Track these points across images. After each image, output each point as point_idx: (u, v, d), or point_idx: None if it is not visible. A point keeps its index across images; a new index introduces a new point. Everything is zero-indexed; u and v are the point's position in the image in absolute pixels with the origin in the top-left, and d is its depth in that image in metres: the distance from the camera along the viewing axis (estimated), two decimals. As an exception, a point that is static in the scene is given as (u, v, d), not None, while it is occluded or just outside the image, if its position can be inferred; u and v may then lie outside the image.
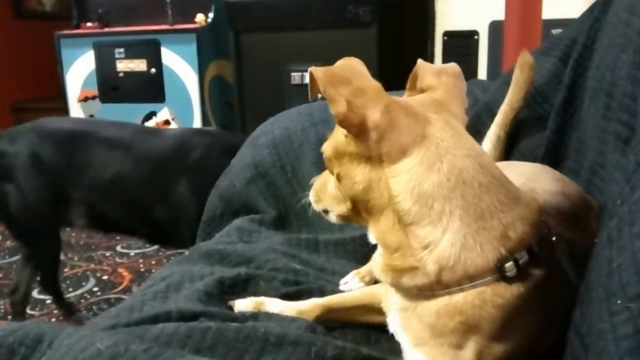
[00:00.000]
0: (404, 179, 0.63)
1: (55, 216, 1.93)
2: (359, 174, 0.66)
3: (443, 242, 0.62)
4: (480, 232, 0.62)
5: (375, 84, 0.65)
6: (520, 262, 0.62)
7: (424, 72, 0.73)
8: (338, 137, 0.69)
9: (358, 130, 0.63)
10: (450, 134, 0.64)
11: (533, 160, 1.09)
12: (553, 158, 1.05)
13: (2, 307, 2.35)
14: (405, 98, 0.71)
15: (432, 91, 0.70)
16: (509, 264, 0.62)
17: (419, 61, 0.75)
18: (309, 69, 0.65)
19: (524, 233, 0.63)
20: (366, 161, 0.66)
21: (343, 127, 0.65)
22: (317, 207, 0.80)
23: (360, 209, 0.70)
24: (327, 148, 0.72)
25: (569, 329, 0.64)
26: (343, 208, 0.73)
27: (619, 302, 0.51)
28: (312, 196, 0.81)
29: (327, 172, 0.77)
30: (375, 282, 0.85)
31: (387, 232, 0.66)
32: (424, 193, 0.62)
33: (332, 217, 0.77)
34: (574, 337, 0.62)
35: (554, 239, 0.66)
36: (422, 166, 0.62)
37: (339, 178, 0.70)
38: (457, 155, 0.63)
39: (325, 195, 0.77)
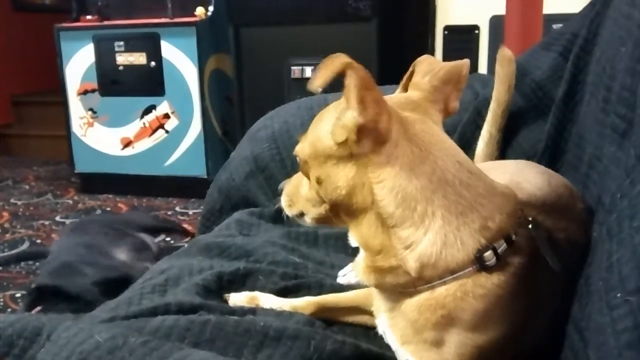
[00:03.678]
0: (389, 184, 0.63)
1: None
2: (342, 178, 0.65)
3: (424, 241, 0.62)
4: (461, 227, 0.62)
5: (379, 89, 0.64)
6: (499, 250, 0.63)
7: (419, 70, 0.73)
8: (321, 140, 0.67)
9: (375, 137, 0.62)
10: (429, 134, 0.65)
11: (533, 154, 1.09)
12: (553, 152, 1.05)
13: (1, 299, 2.35)
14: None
15: (412, 89, 0.71)
16: (487, 254, 0.62)
17: (423, 57, 0.75)
18: (347, 70, 0.59)
19: (502, 222, 0.64)
20: (352, 165, 0.64)
21: (363, 133, 0.62)
22: (290, 211, 0.77)
23: (340, 211, 0.68)
24: (302, 151, 0.70)
25: (568, 323, 0.64)
26: (321, 210, 0.71)
27: (618, 295, 0.51)
28: (284, 201, 0.78)
29: (299, 174, 0.76)
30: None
31: (369, 234, 0.66)
32: (407, 196, 0.62)
33: (308, 220, 0.75)
34: (573, 331, 0.62)
35: (530, 226, 0.66)
36: (405, 170, 0.62)
37: (318, 181, 0.68)
38: (437, 156, 0.64)
39: (299, 198, 0.75)
